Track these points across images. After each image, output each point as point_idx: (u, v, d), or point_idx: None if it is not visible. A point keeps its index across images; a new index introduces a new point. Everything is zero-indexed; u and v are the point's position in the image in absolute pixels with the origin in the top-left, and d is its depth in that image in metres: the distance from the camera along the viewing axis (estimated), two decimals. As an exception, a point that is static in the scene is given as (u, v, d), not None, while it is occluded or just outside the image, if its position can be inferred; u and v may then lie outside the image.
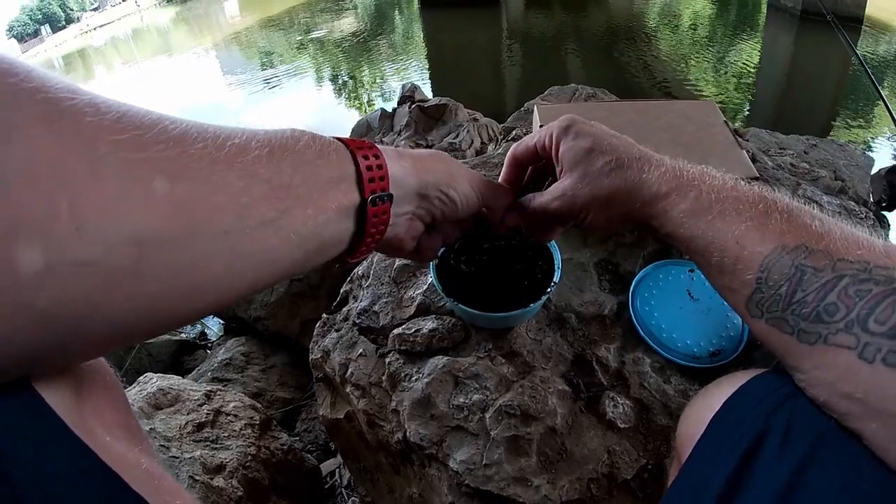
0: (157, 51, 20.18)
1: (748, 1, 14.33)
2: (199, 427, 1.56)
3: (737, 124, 6.68)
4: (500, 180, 0.77)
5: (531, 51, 10.34)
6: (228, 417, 1.63)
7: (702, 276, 1.03)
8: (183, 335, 3.01)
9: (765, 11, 12.24)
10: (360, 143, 0.53)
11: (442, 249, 0.95)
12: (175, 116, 0.40)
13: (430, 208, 0.62)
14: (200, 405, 1.64)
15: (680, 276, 1.06)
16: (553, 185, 0.68)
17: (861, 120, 6.65)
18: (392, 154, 0.57)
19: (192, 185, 0.37)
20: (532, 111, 1.46)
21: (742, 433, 0.49)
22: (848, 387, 0.44)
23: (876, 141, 6.14)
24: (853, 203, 1.34)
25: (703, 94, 7.72)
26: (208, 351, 2.80)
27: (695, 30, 11.82)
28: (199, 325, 3.18)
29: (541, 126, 1.17)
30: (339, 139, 0.53)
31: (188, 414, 1.60)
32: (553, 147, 0.68)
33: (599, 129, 0.67)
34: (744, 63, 9.30)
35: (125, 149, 0.34)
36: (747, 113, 7.28)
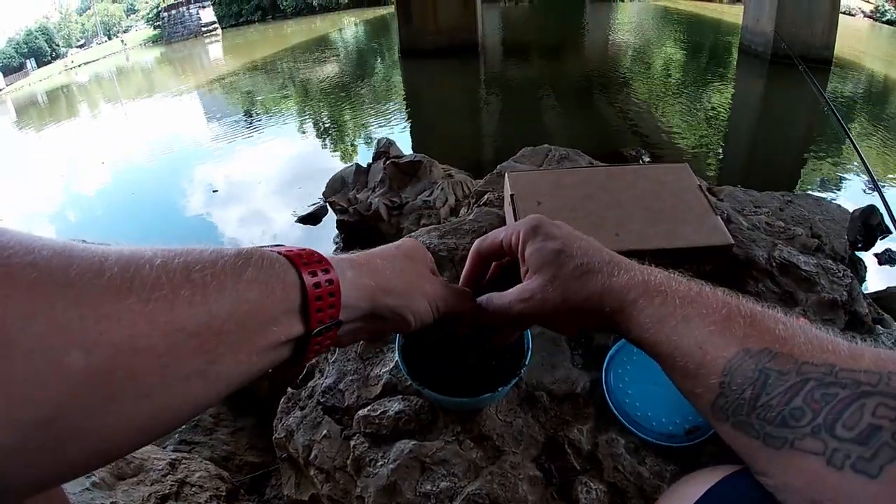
0: (141, 91, 20.19)
1: (719, 46, 14.77)
2: (163, 499, 1.48)
3: (712, 170, 6.81)
4: (463, 275, 0.75)
5: (509, 100, 10.47)
6: (193, 489, 1.56)
7: None
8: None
9: (736, 56, 12.60)
10: (310, 258, 0.49)
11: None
12: (95, 248, 0.37)
13: (380, 325, 0.58)
14: (164, 475, 1.57)
15: (654, 347, 1.03)
16: (517, 287, 0.66)
17: (833, 160, 6.80)
18: (347, 270, 0.53)
19: (110, 353, 0.34)
20: (503, 174, 1.45)
21: None
22: (816, 494, 0.43)
23: (847, 181, 6.26)
24: (830, 261, 1.34)
25: (678, 139, 7.85)
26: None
27: (668, 76, 12.10)
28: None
29: (511, 195, 1.16)
30: (288, 255, 0.48)
31: (151, 485, 1.53)
32: (520, 247, 0.67)
33: (567, 231, 0.66)
34: (716, 108, 9.51)
35: (38, 321, 0.32)
36: (720, 156, 7.41)
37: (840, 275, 1.30)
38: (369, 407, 0.95)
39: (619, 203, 1.18)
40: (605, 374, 0.99)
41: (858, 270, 1.87)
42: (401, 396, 0.95)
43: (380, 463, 0.89)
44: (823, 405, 0.43)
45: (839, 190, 6.06)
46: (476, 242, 0.73)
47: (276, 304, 0.45)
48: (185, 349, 0.38)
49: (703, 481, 0.54)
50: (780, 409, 0.46)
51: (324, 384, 1.03)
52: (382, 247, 0.64)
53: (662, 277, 0.60)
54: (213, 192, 7.26)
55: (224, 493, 1.59)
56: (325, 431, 0.97)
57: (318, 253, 0.50)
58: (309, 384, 1.09)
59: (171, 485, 1.53)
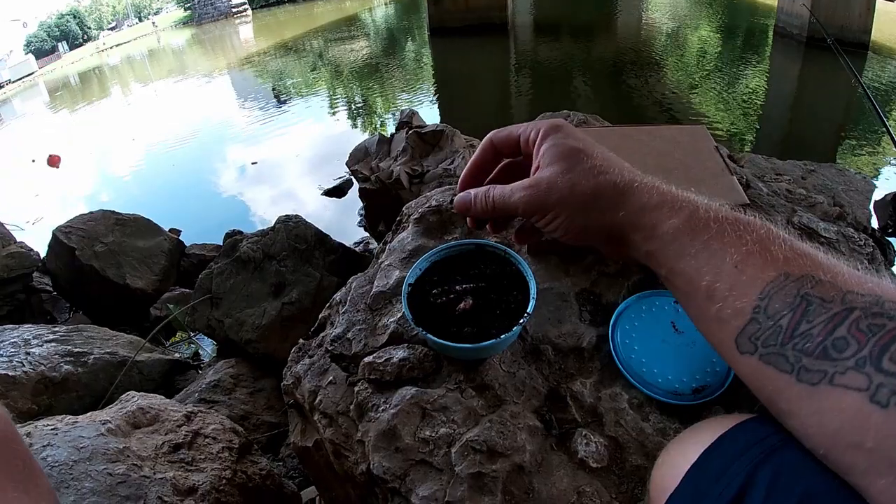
0: (172, 71, 20.44)
1: (755, 28, 14.40)
2: (176, 448, 1.52)
3: (745, 150, 6.67)
4: (468, 164, 0.70)
5: (538, 78, 10.40)
6: (207, 440, 1.60)
7: None
8: (177, 354, 2.98)
9: (771, 38, 12.28)
10: None
11: (415, 277, 0.93)
12: None
13: None
14: (179, 426, 1.61)
15: (665, 308, 1.02)
16: (523, 180, 0.61)
17: (867, 147, 6.63)
18: None
19: None
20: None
21: (722, 489, 0.44)
22: (855, 435, 0.39)
23: (882, 168, 6.10)
24: (852, 230, 1.31)
25: (710, 121, 7.71)
26: (199, 371, 2.77)
27: (702, 57, 11.87)
28: (192, 346, 3.16)
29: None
30: None
31: (166, 434, 1.57)
32: (537, 142, 0.61)
33: (590, 139, 0.62)
34: (750, 90, 9.31)
35: None
36: (753, 140, 7.26)
37: (861, 243, 1.27)
38: (375, 354, 0.96)
39: (633, 162, 1.16)
40: (613, 330, 0.98)
41: (887, 254, 1.82)
42: (406, 345, 0.96)
43: (381, 408, 0.90)
44: (870, 336, 0.39)
45: (873, 176, 5.90)
46: (491, 133, 0.68)
47: None
48: None
49: (716, 427, 0.51)
50: (820, 340, 0.42)
51: (332, 333, 1.04)
52: None
53: (691, 195, 0.56)
54: (253, 163, 7.35)
55: (237, 446, 1.62)
56: (331, 378, 0.98)
57: None
58: (320, 335, 1.11)
59: (185, 435, 1.57)
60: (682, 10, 17.00)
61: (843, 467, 0.40)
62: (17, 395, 2.16)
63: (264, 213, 5.84)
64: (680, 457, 0.52)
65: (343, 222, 4.53)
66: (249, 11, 29.58)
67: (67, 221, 3.78)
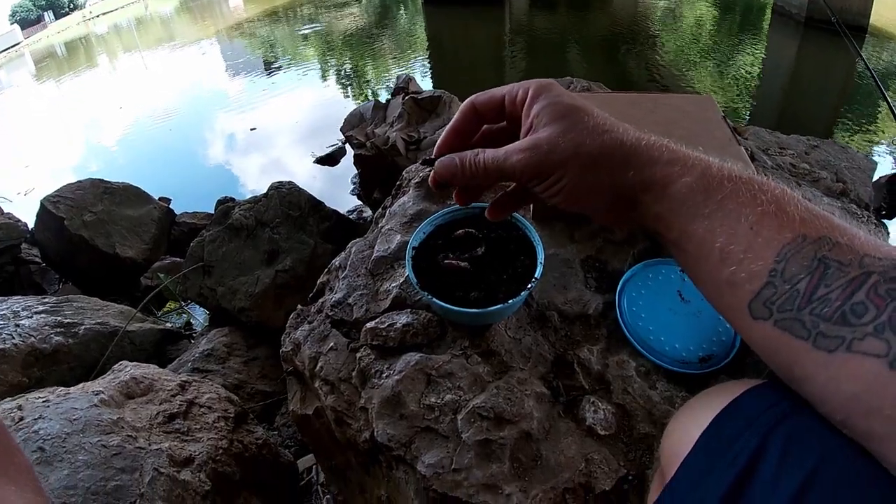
0: (160, 40, 20.05)
1: (752, 6, 14.27)
2: (171, 418, 1.51)
3: (740, 123, 6.66)
4: (446, 129, 0.62)
5: (533, 50, 10.28)
6: (202, 409, 1.58)
7: None
8: (168, 324, 2.96)
9: (769, 17, 12.19)
10: None
11: (419, 241, 0.90)
12: None
13: None
14: (174, 395, 1.59)
15: (671, 276, 1.01)
16: (518, 142, 0.55)
17: (864, 127, 6.61)
18: None
19: None
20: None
21: (735, 453, 0.43)
22: (875, 400, 0.38)
23: (879, 148, 6.10)
24: (854, 206, 1.30)
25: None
26: (192, 341, 2.75)
27: (698, 33, 11.76)
28: (184, 315, 3.13)
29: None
30: None
31: (160, 404, 1.55)
32: (526, 104, 0.56)
33: (583, 98, 0.58)
34: (747, 68, 9.24)
35: None
36: (749, 117, 7.24)
37: (864, 219, 1.26)
38: (377, 320, 0.94)
39: (640, 128, 1.14)
40: (619, 298, 0.97)
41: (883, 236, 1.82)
42: (409, 310, 0.94)
43: (385, 374, 0.88)
44: (889, 301, 0.38)
45: (871, 155, 5.91)
46: (472, 96, 0.61)
47: None
48: None
49: (727, 393, 0.50)
50: (839, 305, 0.40)
51: (333, 299, 1.02)
52: None
53: (701, 154, 0.52)
54: (252, 129, 7.26)
55: (232, 415, 1.61)
56: (331, 344, 0.96)
57: None
58: (319, 301, 1.08)
59: (180, 404, 1.56)
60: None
61: (860, 433, 0.39)
62: (7, 369, 2.14)
63: (255, 181, 5.78)
64: (692, 423, 0.50)
65: (336, 190, 4.47)
66: (240, -23, 29.04)
67: (55, 191, 3.71)
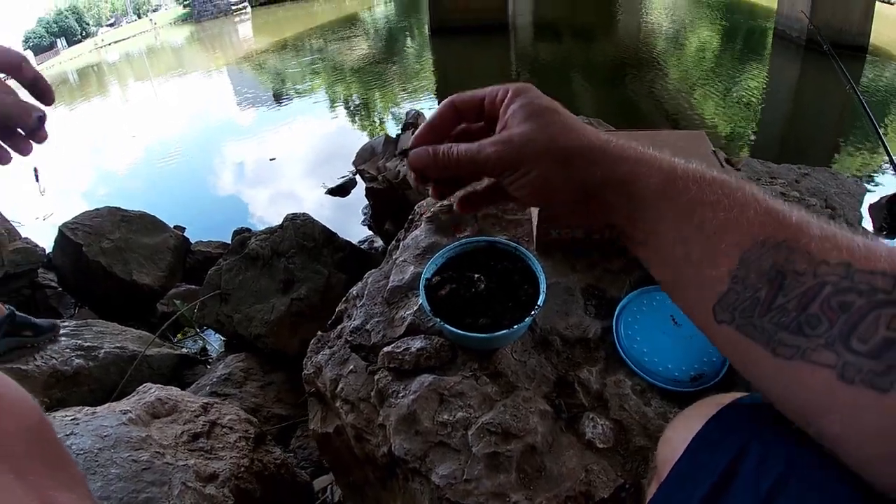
0: (170, 68, 20.45)
1: (755, 30, 14.47)
2: (195, 437, 1.59)
3: (743, 151, 6.75)
4: (423, 124, 0.64)
5: (538, 78, 10.42)
6: (224, 429, 1.66)
7: None
8: (184, 350, 3.04)
9: (770, 41, 12.35)
10: None
11: (431, 271, 0.99)
12: None
13: None
14: (197, 416, 1.67)
15: (665, 302, 1.09)
16: (493, 136, 0.57)
17: (862, 151, 6.69)
18: None
19: None
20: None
21: (718, 458, 0.49)
22: (826, 407, 0.42)
23: (876, 172, 6.17)
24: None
25: (709, 123, 7.78)
26: (208, 367, 2.83)
27: (701, 58, 11.94)
28: (200, 341, 3.21)
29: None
30: None
31: (184, 424, 1.63)
32: (505, 102, 0.58)
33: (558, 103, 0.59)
34: (749, 92, 9.37)
35: None
36: (750, 142, 7.33)
37: None
38: (393, 344, 1.02)
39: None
40: (616, 322, 1.05)
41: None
42: (423, 335, 1.02)
43: (401, 394, 0.96)
44: (840, 315, 0.41)
45: (869, 180, 5.97)
46: (453, 95, 0.63)
47: None
48: None
49: (715, 403, 0.55)
50: (795, 315, 0.43)
51: (351, 325, 1.10)
52: None
53: (668, 157, 0.54)
54: (271, 160, 7.34)
55: (252, 436, 1.69)
56: (351, 367, 1.04)
57: None
58: (338, 327, 1.17)
59: (203, 425, 1.64)
60: (682, 13, 17.06)
61: (816, 434, 0.44)
62: (29, 389, 2.18)
63: (266, 210, 5.88)
64: (684, 430, 0.56)
65: (347, 221, 4.58)
66: (249, 9, 29.57)
67: (74, 217, 3.80)
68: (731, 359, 0.50)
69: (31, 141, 0.72)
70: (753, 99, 9.07)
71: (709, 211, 0.48)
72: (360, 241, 3.56)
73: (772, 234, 0.45)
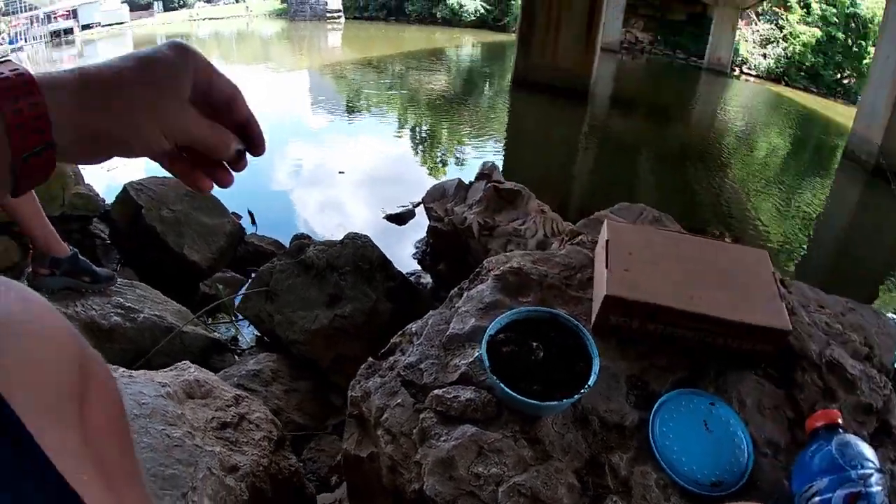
0: (256, 58, 21.11)
1: (825, 145, 14.39)
2: (223, 426, 1.66)
3: (791, 264, 6.70)
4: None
5: (606, 150, 10.54)
6: (251, 425, 1.73)
7: (720, 411, 1.14)
8: (216, 334, 3.13)
9: (839, 159, 12.27)
10: (16, 82, 0.47)
11: (495, 330, 1.06)
12: None
13: (98, 146, 0.54)
14: (228, 406, 1.75)
15: (700, 407, 1.15)
16: None
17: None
18: (61, 88, 0.50)
19: None
20: (600, 221, 1.58)
21: None
22: None
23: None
24: (875, 371, 1.41)
25: (762, 229, 7.74)
26: (236, 357, 2.92)
27: (767, 163, 11.90)
28: (233, 329, 3.31)
29: (607, 240, 1.29)
30: None
31: (216, 410, 1.71)
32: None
33: None
34: (808, 207, 9.29)
35: None
36: (801, 258, 7.27)
37: (881, 384, 1.37)
38: (444, 389, 1.09)
39: (700, 271, 1.29)
40: (653, 417, 1.10)
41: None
42: (474, 387, 1.09)
43: (443, 438, 1.02)
44: None
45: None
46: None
47: None
48: None
49: None
50: None
51: (406, 360, 1.18)
52: (132, 53, 0.55)
53: None
54: (340, 173, 7.50)
55: (275, 438, 1.75)
56: (399, 400, 1.11)
57: (27, 75, 0.48)
58: (389, 359, 1.24)
59: (233, 416, 1.71)
60: (758, 114, 17.05)
61: None
62: None
63: (322, 221, 5.94)
64: None
65: (398, 250, 4.64)
66: (343, 20, 30.43)
67: (141, 179, 3.93)
68: None
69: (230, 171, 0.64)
70: (811, 214, 9.00)
71: None
72: (408, 273, 3.64)
73: None
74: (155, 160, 0.60)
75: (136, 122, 0.53)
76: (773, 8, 23.68)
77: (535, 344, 1.06)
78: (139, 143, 0.54)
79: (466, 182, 3.43)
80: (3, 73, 0.47)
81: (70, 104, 0.49)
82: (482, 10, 28.05)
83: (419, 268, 4.17)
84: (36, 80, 0.48)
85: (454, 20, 28.20)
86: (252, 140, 0.63)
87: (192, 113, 0.57)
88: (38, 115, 0.47)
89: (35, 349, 0.54)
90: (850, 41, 22.44)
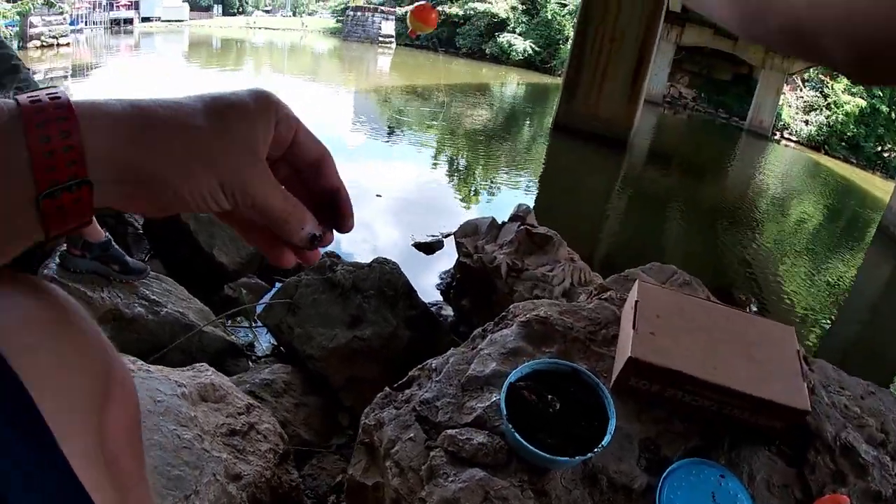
0: (305, 71, 21.59)
1: (859, 218, 14.22)
2: (232, 433, 1.68)
3: (811, 337, 6.58)
4: None
5: (639, 202, 10.53)
6: (259, 435, 1.74)
7: (730, 484, 1.13)
8: (234, 338, 3.17)
9: (873, 233, 12.10)
10: (47, 107, 0.41)
11: (516, 378, 1.07)
12: None
13: (152, 196, 0.46)
14: (240, 413, 1.77)
15: (710, 478, 1.14)
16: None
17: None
18: (104, 118, 0.43)
19: None
20: (630, 279, 1.59)
21: None
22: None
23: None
24: (888, 458, 1.38)
25: (789, 297, 7.63)
26: (251, 363, 2.94)
27: (799, 230, 11.78)
28: (251, 335, 3.35)
29: (636, 301, 1.29)
30: (17, 102, 0.41)
31: (227, 416, 1.73)
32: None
33: None
34: (837, 279, 9.15)
35: None
36: (826, 328, 7.14)
37: (893, 472, 1.34)
38: (457, 430, 1.10)
39: (726, 341, 1.29)
40: (662, 483, 1.10)
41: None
42: (487, 432, 1.09)
43: (451, 478, 1.03)
44: None
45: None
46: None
47: None
48: None
49: None
50: None
51: (422, 396, 1.19)
52: (203, 94, 0.47)
53: None
54: (377, 196, 7.55)
55: (280, 451, 1.77)
56: (412, 434, 1.12)
57: (64, 98, 0.42)
58: (406, 391, 1.25)
59: (243, 425, 1.73)
60: (795, 181, 16.94)
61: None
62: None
63: (351, 240, 5.98)
64: None
65: (422, 279, 4.64)
66: (394, 45, 31.02)
67: None
68: None
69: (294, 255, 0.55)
70: (839, 287, 8.86)
71: None
72: (430, 303, 3.66)
73: None
74: (222, 220, 0.53)
75: (192, 170, 0.45)
76: (820, 76, 23.64)
77: (551, 397, 1.07)
78: (191, 194, 0.45)
79: (499, 222, 3.47)
80: (37, 98, 0.41)
81: (114, 137, 0.42)
82: (530, 51, 28.43)
83: (441, 299, 4.18)
84: (74, 105, 0.41)
85: (502, 57, 28.62)
86: (340, 213, 0.54)
87: (265, 174, 0.48)
88: (71, 146, 0.40)
89: (69, 353, 0.52)
90: (893, 114, 22.29)
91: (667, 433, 1.21)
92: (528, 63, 28.43)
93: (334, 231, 0.55)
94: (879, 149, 22.06)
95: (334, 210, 0.54)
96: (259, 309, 3.08)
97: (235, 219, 0.52)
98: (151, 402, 1.59)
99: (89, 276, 2.43)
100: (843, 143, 22.06)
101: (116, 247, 2.44)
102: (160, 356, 2.44)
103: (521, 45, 28.51)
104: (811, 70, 22.78)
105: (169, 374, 1.75)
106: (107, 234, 2.39)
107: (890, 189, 12.90)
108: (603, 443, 0.99)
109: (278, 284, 3.35)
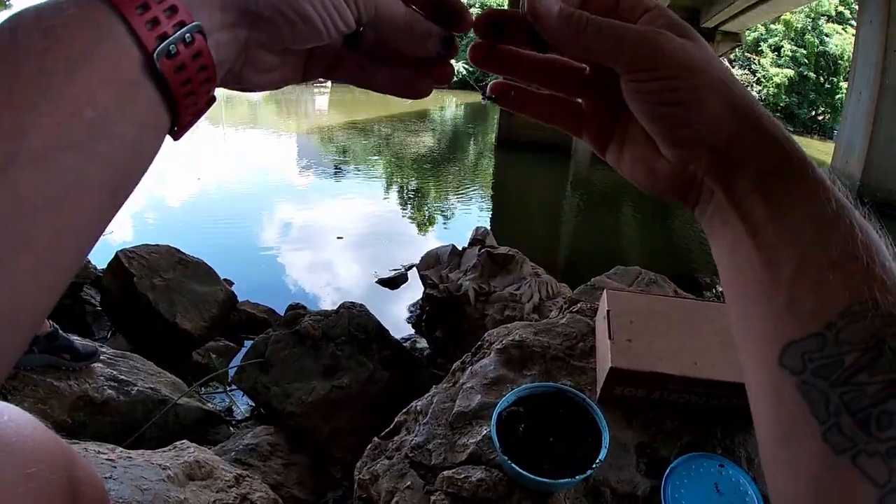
0: (243, 119, 21.37)
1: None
2: (225, 509, 1.63)
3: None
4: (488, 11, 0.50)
5: (590, 203, 10.71)
6: (252, 506, 1.69)
7: (730, 472, 1.13)
8: (210, 405, 3.08)
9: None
10: None
11: (504, 406, 1.06)
12: None
13: (273, 30, 0.41)
14: (230, 486, 1.71)
15: (710, 470, 1.14)
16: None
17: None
18: None
19: None
20: (598, 288, 1.60)
21: None
22: None
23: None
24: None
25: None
26: (232, 428, 2.87)
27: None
28: (227, 399, 3.26)
29: (608, 310, 1.30)
30: None
31: (217, 492, 1.67)
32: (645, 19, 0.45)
33: None
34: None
35: None
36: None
37: None
38: (454, 470, 1.08)
39: (700, 334, 1.31)
40: (665, 484, 1.10)
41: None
42: (484, 467, 1.08)
43: (455, 520, 1.01)
44: None
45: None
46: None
47: (81, 36, 0.33)
48: None
49: None
50: (868, 403, 0.34)
51: (413, 441, 1.17)
52: None
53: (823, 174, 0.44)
54: (338, 238, 7.48)
55: (277, 517, 1.71)
56: (409, 482, 1.10)
57: None
58: (395, 438, 1.23)
59: (235, 497, 1.68)
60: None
61: None
62: (56, 405, 2.23)
63: (314, 285, 5.87)
64: None
65: (393, 314, 4.62)
66: (329, 84, 31.01)
67: (133, 247, 3.90)
68: (763, 416, 0.42)
69: (429, 77, 0.52)
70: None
71: (838, 240, 0.38)
72: (402, 338, 3.63)
73: (889, 300, 0.36)
74: (335, 77, 0.50)
75: None
76: (746, 54, 24.52)
77: (542, 420, 1.06)
78: (316, 8, 0.40)
79: (460, 248, 3.48)
80: None
81: None
82: (464, 72, 28.70)
83: (414, 332, 4.17)
84: None
85: (438, 81, 28.79)
86: (450, 9, 0.47)
87: None
88: None
89: (27, 465, 0.51)
90: (821, 79, 23.22)
91: (660, 434, 1.21)
92: (464, 83, 28.70)
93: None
94: (813, 113, 22.89)
95: (443, 10, 0.47)
96: (232, 372, 3.01)
97: (356, 63, 0.50)
98: (138, 491, 1.53)
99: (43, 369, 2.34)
100: (779, 114, 22.88)
101: (63, 335, 2.36)
102: (138, 437, 2.37)
103: (455, 66, 28.85)
104: (737, 50, 23.63)
105: (151, 458, 1.69)
106: (52, 324, 2.30)
107: (829, 150, 13.33)
108: (600, 457, 0.99)
109: (248, 343, 3.28)
